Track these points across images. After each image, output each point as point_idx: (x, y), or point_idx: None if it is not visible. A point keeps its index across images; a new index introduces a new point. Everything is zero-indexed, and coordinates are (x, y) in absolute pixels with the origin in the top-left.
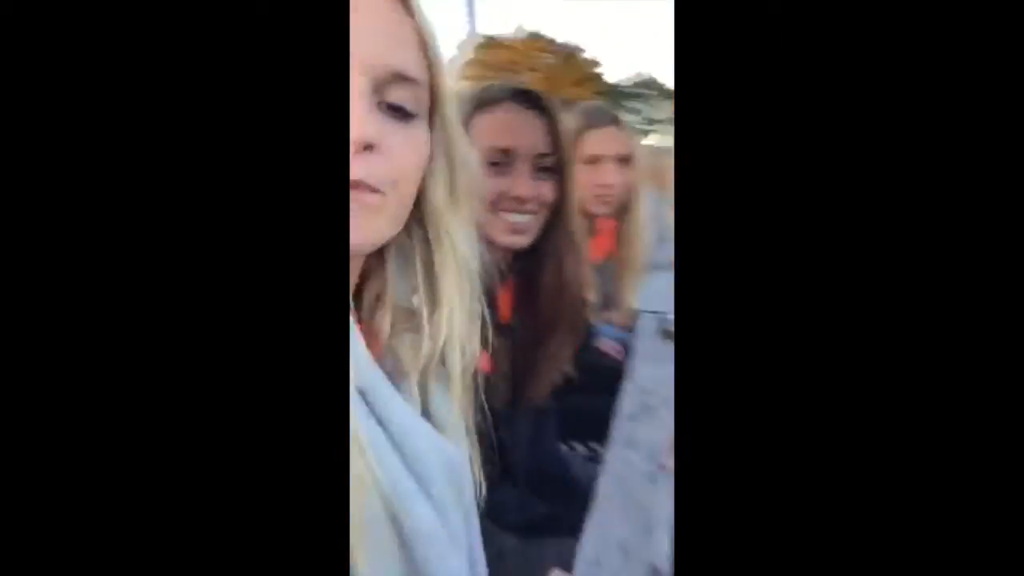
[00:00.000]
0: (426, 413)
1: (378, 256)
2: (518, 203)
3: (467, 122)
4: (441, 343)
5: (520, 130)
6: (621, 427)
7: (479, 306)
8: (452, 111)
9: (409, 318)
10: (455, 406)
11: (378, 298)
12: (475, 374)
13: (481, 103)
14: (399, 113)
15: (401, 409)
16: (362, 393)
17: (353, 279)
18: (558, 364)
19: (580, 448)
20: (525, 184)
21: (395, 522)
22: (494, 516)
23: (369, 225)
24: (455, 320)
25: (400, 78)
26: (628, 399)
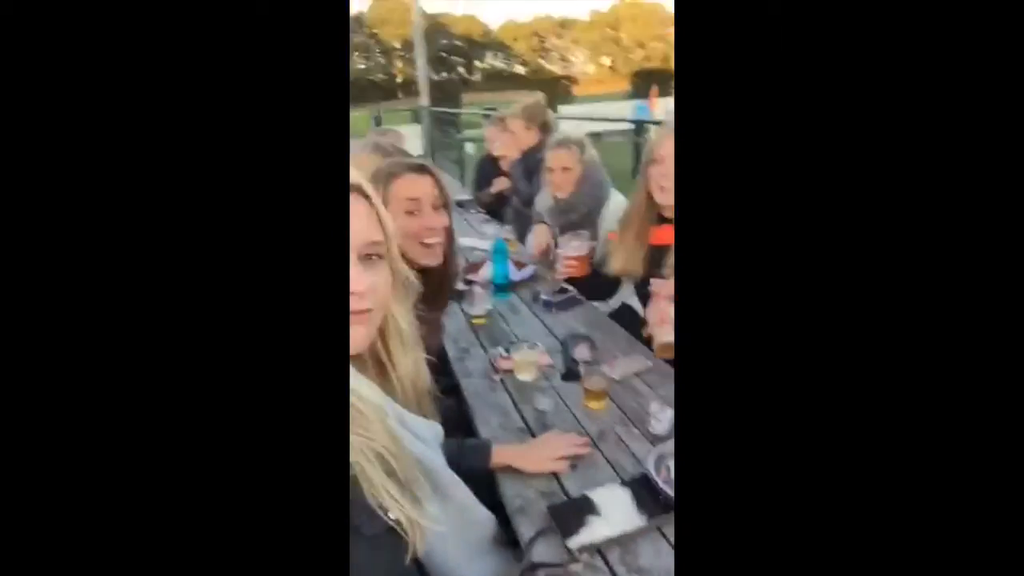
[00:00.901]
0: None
1: None
2: (429, 231)
3: (387, 186)
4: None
5: (421, 186)
6: None
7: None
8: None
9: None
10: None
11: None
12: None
13: (390, 174)
14: (372, 259)
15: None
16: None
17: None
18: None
19: None
20: (431, 218)
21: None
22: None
23: (359, 334)
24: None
25: (372, 244)
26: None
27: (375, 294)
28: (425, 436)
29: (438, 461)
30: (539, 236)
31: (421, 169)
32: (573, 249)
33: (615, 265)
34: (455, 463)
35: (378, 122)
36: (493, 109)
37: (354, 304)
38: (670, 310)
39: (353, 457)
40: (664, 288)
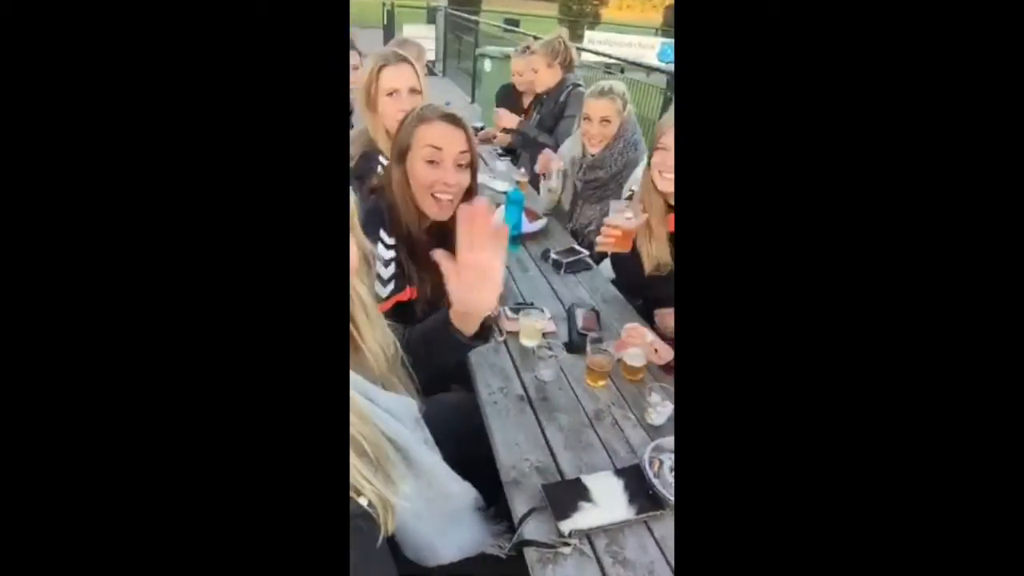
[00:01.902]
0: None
1: None
2: (446, 187)
3: (412, 132)
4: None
5: (447, 137)
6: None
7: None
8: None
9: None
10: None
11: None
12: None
13: (421, 118)
14: None
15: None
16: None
17: None
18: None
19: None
20: (453, 173)
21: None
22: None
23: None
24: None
25: None
26: None
27: None
28: (398, 412)
29: (411, 437)
30: (545, 158)
31: (455, 121)
32: (623, 219)
33: (647, 263)
34: (428, 343)
35: (390, 16)
36: (516, 23)
37: None
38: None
39: None
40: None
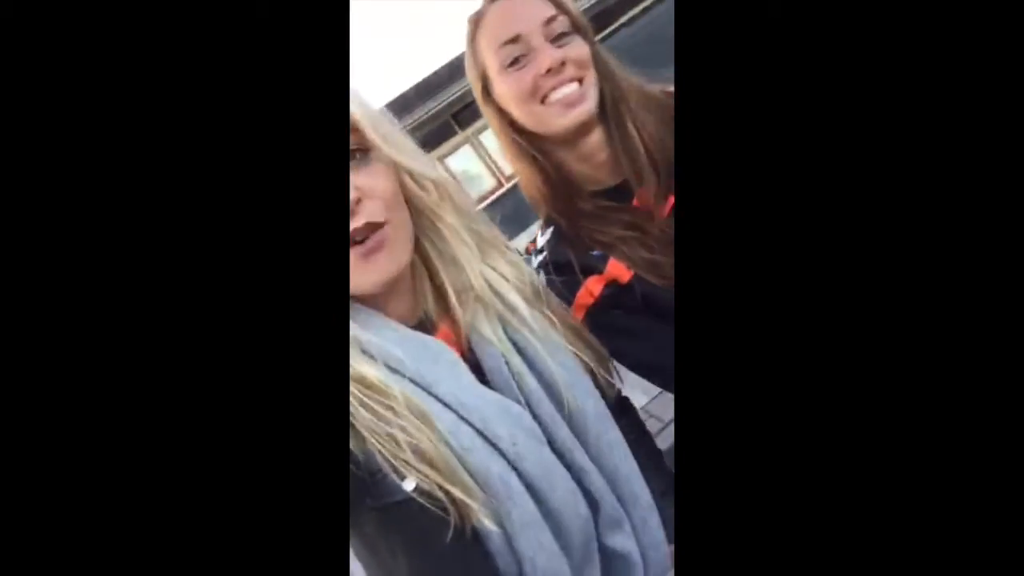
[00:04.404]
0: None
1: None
2: (554, 75)
3: (474, 34)
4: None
5: (518, 13)
6: None
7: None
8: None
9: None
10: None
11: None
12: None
13: (479, 14)
14: (355, 156)
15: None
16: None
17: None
18: None
19: None
20: (549, 55)
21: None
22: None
23: (386, 258)
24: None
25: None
26: None
27: (380, 199)
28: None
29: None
30: None
31: None
32: None
33: None
34: None
35: None
36: None
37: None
38: None
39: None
40: None
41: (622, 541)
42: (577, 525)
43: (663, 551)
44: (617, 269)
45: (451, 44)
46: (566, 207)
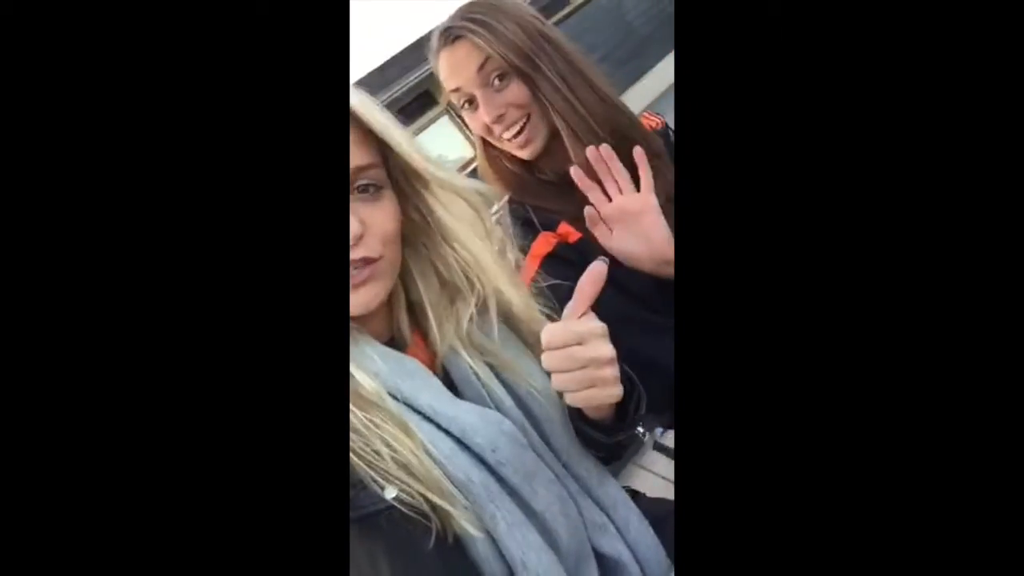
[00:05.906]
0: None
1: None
2: (499, 122)
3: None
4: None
5: (454, 63)
6: None
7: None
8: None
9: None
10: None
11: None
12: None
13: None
14: (368, 190)
15: (442, 400)
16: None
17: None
18: None
19: None
20: (490, 105)
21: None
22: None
23: (372, 290)
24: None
25: (360, 169)
26: None
27: (380, 236)
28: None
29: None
30: None
31: (450, 35)
32: None
33: None
34: None
35: None
36: None
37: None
38: None
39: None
40: None
41: (610, 543)
42: (565, 526)
43: (655, 548)
44: (565, 229)
45: None
46: (524, 186)
